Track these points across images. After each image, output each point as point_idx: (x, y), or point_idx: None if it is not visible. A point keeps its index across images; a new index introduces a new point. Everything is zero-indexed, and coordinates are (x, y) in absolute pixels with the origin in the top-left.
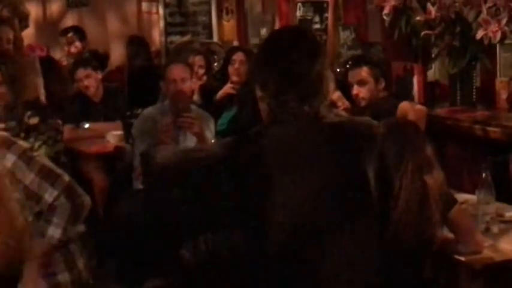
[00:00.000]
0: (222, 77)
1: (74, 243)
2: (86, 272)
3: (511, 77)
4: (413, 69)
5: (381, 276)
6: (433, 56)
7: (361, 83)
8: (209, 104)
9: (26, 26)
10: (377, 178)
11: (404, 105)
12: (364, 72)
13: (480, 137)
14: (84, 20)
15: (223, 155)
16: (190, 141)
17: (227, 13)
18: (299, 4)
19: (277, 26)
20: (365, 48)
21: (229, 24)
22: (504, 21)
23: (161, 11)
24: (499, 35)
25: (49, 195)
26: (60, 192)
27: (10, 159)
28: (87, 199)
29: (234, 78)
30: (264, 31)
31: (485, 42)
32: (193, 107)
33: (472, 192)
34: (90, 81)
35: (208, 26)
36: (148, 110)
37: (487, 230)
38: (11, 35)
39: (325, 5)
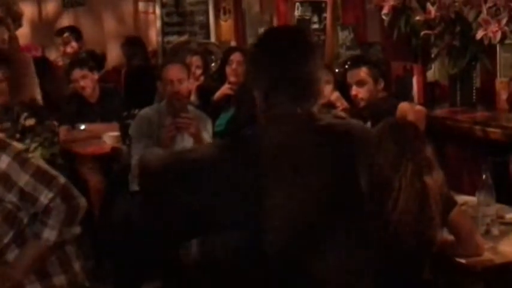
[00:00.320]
0: (220, 77)
1: (70, 245)
2: (82, 274)
3: (511, 77)
4: (412, 70)
5: (379, 278)
6: (432, 56)
7: (360, 83)
8: (206, 104)
9: (20, 26)
10: (370, 181)
11: (403, 106)
12: (363, 72)
13: (480, 137)
14: (80, 20)
15: (218, 156)
16: (187, 142)
17: (225, 13)
18: (297, 4)
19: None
20: (364, 49)
21: (227, 24)
22: (504, 21)
23: (158, 10)
24: (499, 35)
25: (44, 197)
26: (55, 194)
27: (4, 160)
28: (82, 201)
29: (232, 78)
30: (261, 31)
31: (485, 42)
32: (190, 107)
33: (472, 194)
34: (87, 81)
35: (205, 26)
36: (145, 111)
37: (487, 232)
38: (6, 35)
39: (323, 4)
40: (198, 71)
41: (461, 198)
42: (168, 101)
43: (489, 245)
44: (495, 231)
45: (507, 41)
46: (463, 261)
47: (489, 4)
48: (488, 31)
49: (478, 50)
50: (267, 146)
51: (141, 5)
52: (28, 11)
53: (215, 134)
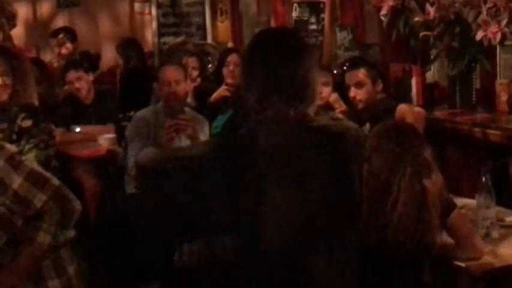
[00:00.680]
0: (217, 79)
1: (65, 248)
2: (77, 278)
3: (511, 78)
4: (411, 71)
5: (379, 281)
6: (432, 57)
7: (359, 85)
8: (203, 106)
9: (14, 26)
10: (366, 182)
11: (402, 108)
12: (361, 74)
13: (480, 140)
14: (75, 21)
15: (214, 156)
16: (184, 144)
17: (221, 14)
18: (295, 5)
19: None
20: (362, 50)
21: (224, 25)
22: (504, 22)
23: (154, 11)
24: (499, 36)
25: (38, 200)
26: (49, 197)
27: None
28: (77, 204)
29: (229, 80)
30: None
31: (485, 43)
32: (187, 109)
33: (472, 197)
34: (82, 83)
35: (202, 27)
36: (142, 112)
37: (487, 235)
38: (0, 36)
39: (321, 5)
40: (195, 73)
41: (460, 201)
42: (165, 103)
43: (489, 248)
44: (495, 234)
45: (507, 42)
46: (462, 264)
47: (489, 5)
48: (488, 32)
49: (478, 51)
50: (263, 146)
51: (136, 6)
52: (22, 11)
53: (212, 136)
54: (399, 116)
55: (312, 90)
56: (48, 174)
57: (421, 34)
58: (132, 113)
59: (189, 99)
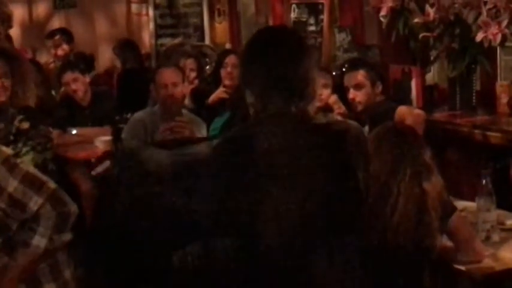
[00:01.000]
0: (214, 80)
1: (61, 252)
2: (73, 282)
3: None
4: (411, 73)
5: (378, 284)
6: (431, 58)
7: (358, 86)
8: (201, 108)
9: (10, 27)
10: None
11: (402, 110)
12: (360, 75)
13: (480, 142)
14: (71, 22)
15: (215, 158)
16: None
17: (219, 15)
18: (293, 5)
19: None
20: (361, 51)
21: (222, 26)
22: (504, 23)
23: (151, 12)
24: (499, 38)
25: (34, 203)
26: (45, 200)
27: None
28: (74, 207)
29: (227, 82)
30: None
31: (485, 44)
32: (184, 111)
33: (472, 199)
34: (78, 84)
35: (199, 28)
36: (139, 114)
37: (487, 239)
38: None
39: (320, 6)
40: (192, 74)
41: (460, 204)
42: (162, 105)
43: (489, 251)
44: (495, 237)
45: (507, 44)
46: (462, 268)
47: (489, 6)
48: (488, 33)
49: (478, 52)
50: (263, 146)
51: (133, 7)
52: (18, 12)
53: (210, 138)
54: (399, 118)
55: (312, 89)
56: (44, 177)
57: (421, 35)
58: (129, 115)
59: (187, 101)
